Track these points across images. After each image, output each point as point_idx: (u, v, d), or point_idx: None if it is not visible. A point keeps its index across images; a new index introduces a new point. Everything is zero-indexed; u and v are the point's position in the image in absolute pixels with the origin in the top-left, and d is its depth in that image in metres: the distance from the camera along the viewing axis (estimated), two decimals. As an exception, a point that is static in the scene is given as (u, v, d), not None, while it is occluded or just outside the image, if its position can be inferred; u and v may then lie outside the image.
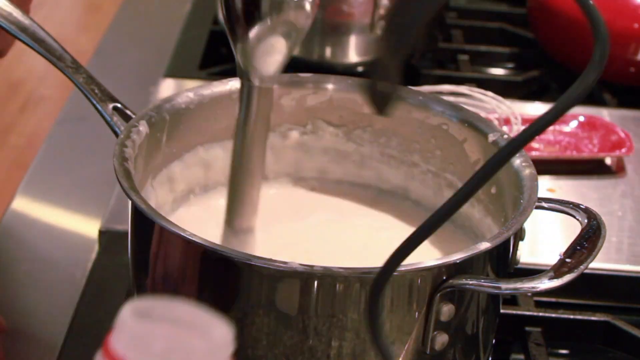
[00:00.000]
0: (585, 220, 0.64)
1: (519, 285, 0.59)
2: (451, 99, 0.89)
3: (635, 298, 0.85)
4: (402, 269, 0.58)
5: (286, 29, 0.63)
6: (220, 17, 0.64)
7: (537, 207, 0.65)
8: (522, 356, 0.77)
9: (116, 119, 0.70)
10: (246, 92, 0.65)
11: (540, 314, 0.78)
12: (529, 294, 0.80)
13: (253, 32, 0.62)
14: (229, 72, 1.10)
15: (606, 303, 0.85)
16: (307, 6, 0.63)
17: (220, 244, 0.59)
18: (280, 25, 0.62)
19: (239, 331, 0.59)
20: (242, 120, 0.66)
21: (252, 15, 0.62)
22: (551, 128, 1.03)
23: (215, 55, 1.20)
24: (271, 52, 0.63)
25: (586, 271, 0.60)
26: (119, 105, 0.71)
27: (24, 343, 0.75)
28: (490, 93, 1.04)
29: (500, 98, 1.04)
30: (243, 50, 0.63)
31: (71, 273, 0.81)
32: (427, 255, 0.72)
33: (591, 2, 0.46)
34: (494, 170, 0.48)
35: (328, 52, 1.10)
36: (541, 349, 0.76)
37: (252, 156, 0.66)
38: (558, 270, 0.59)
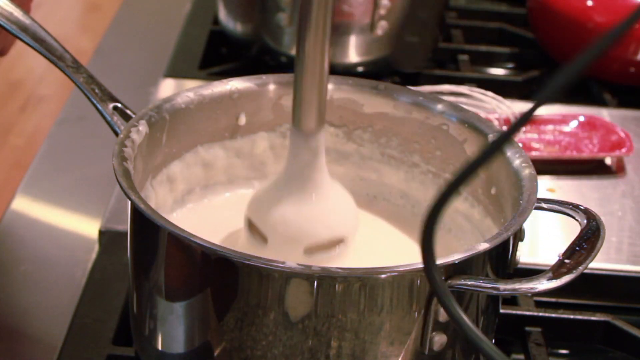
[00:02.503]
0: (585, 221, 0.64)
1: (517, 286, 0.59)
2: (451, 99, 0.89)
3: (635, 298, 0.86)
4: (401, 269, 0.58)
5: None
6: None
7: (537, 208, 0.65)
8: (522, 356, 0.77)
9: (116, 118, 0.70)
10: None
11: (540, 314, 0.78)
12: (528, 294, 0.80)
13: None
14: (229, 72, 1.11)
15: (606, 303, 0.85)
16: None
17: (219, 244, 0.59)
18: None
19: (239, 331, 0.60)
20: (303, 18, 0.63)
21: None
22: (551, 128, 1.03)
23: (215, 55, 1.20)
24: None
25: (586, 271, 0.60)
26: (119, 105, 0.71)
27: (24, 343, 0.75)
28: (490, 93, 1.04)
29: (500, 98, 1.04)
30: None
31: (71, 273, 0.81)
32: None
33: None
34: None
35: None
36: (541, 349, 0.76)
37: (312, 57, 0.64)
38: (557, 271, 0.59)
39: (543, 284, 0.59)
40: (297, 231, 0.67)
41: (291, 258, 0.59)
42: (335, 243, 0.68)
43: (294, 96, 0.66)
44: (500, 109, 1.02)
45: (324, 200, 0.69)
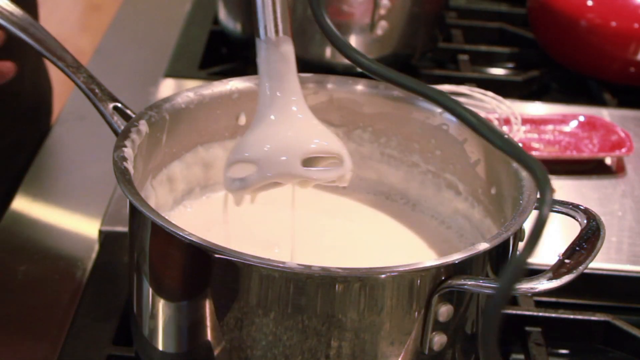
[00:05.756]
0: (585, 221, 0.64)
1: (517, 286, 0.59)
2: (451, 99, 0.89)
3: (635, 298, 0.86)
4: (401, 269, 0.58)
5: None
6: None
7: (537, 208, 0.65)
8: (522, 356, 0.77)
9: (116, 118, 0.70)
10: None
11: (540, 314, 0.78)
12: (528, 294, 0.80)
13: None
14: (229, 72, 1.11)
15: (606, 303, 0.85)
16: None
17: (219, 244, 0.59)
18: None
19: (239, 331, 0.60)
20: None
21: None
22: (551, 128, 1.03)
23: (215, 55, 1.20)
24: None
25: (586, 271, 0.60)
26: (119, 104, 0.71)
27: (24, 343, 0.75)
28: (490, 93, 1.04)
29: (500, 98, 1.04)
30: None
31: (71, 273, 0.81)
32: (424, 256, 0.73)
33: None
34: None
35: (328, 52, 1.10)
36: (541, 349, 0.76)
37: None
38: (557, 271, 0.59)
39: (543, 284, 0.59)
40: (284, 150, 0.67)
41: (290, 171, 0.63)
42: (332, 158, 0.68)
43: (254, 7, 0.66)
44: (500, 109, 1.02)
45: (308, 115, 0.69)
